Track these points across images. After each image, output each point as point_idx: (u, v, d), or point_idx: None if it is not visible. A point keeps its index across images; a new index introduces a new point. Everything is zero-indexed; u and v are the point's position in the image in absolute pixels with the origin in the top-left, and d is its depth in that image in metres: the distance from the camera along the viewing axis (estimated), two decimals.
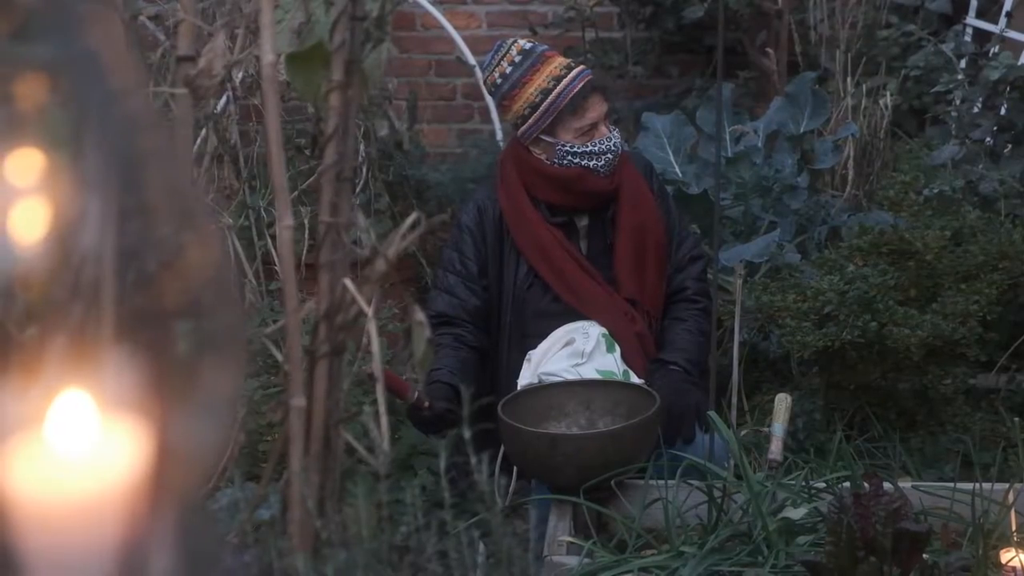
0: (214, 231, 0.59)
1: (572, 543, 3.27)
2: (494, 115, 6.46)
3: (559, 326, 3.92)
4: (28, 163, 0.57)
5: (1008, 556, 3.01)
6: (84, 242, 0.56)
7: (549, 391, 3.71)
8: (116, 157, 0.58)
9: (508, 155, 4.09)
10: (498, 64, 3.94)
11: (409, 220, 2.22)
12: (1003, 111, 5.43)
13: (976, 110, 5.46)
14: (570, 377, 3.78)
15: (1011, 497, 3.17)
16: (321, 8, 2.27)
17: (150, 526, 0.56)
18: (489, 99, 6.48)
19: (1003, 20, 6.32)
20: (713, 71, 6.53)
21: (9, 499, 0.56)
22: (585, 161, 3.90)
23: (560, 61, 3.96)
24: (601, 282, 3.99)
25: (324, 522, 2.11)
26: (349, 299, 2.16)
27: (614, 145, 3.93)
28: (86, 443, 0.58)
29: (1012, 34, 6.24)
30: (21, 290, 0.56)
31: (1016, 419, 3.59)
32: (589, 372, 3.80)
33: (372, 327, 2.12)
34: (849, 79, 5.75)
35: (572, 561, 3.16)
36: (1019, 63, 5.69)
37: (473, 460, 2.09)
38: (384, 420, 2.08)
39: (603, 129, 3.93)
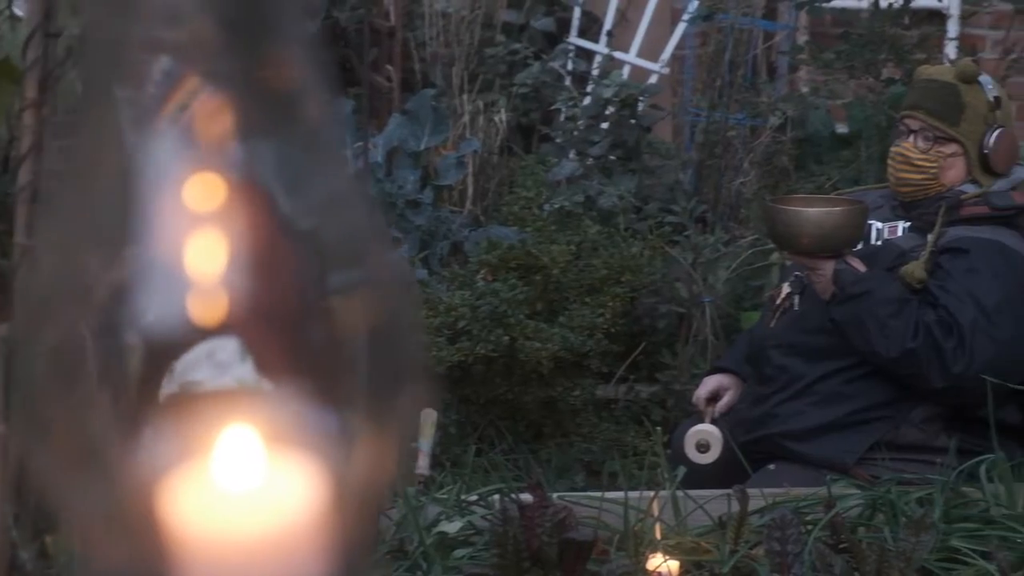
0: (391, 267, 0.61)
1: None
2: None
3: None
4: (207, 189, 0.58)
5: (656, 562, 3.18)
6: (256, 274, 0.57)
7: None
8: (294, 187, 0.60)
9: None
10: None
11: None
12: (608, 127, 5.71)
13: (583, 127, 5.71)
14: None
15: (655, 505, 3.34)
16: (7, 24, 2.24)
17: (320, 565, 0.58)
18: None
19: (604, 39, 6.62)
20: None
21: (175, 533, 0.57)
22: None
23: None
24: None
25: (28, 552, 2.09)
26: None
27: None
28: (253, 479, 0.59)
29: (615, 53, 6.55)
30: (193, 320, 0.57)
31: (658, 428, 3.80)
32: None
33: None
34: (465, 96, 5.92)
35: None
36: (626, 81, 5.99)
37: None
38: None
39: None
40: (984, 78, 3.94)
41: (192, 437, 0.59)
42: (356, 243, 0.61)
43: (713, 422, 3.97)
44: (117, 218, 0.60)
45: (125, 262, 0.59)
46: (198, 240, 0.59)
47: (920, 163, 3.85)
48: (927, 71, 4.06)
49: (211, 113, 0.59)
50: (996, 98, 3.89)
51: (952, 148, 3.86)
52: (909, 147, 3.87)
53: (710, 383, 4.11)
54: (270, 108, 0.61)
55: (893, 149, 3.95)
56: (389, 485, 0.63)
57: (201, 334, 0.59)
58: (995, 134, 3.84)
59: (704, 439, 3.85)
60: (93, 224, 0.60)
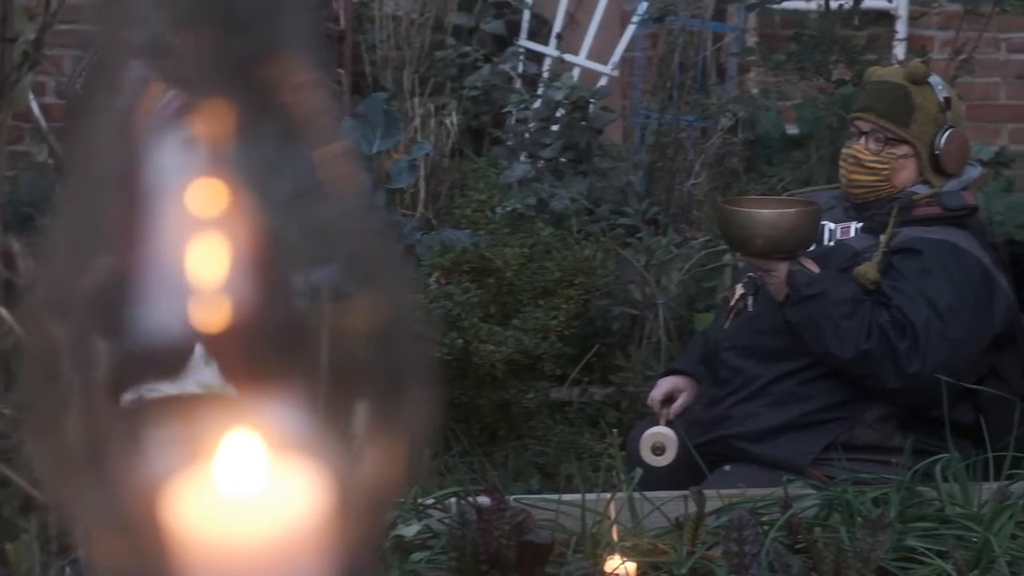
0: (398, 277, 0.61)
1: None
2: None
3: None
4: (210, 194, 0.59)
5: (614, 564, 3.19)
6: (258, 280, 0.57)
7: None
8: (296, 196, 0.59)
9: None
10: (80, 76, 3.90)
11: None
12: (560, 129, 5.73)
13: (534, 129, 5.73)
14: (173, 391, 3.77)
15: (612, 507, 3.36)
16: None
17: (323, 570, 0.58)
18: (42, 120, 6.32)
19: (554, 41, 6.64)
20: None
21: (178, 538, 0.57)
22: None
23: None
24: None
25: None
26: (6, 328, 2.13)
27: None
28: (255, 484, 0.59)
29: (565, 55, 6.57)
30: (195, 326, 0.57)
31: (615, 430, 3.80)
32: (190, 385, 3.79)
33: None
34: (416, 99, 5.92)
35: None
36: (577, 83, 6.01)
37: None
38: None
39: None
40: (934, 79, 3.96)
41: (195, 442, 0.59)
42: (357, 244, 0.61)
43: (668, 424, 3.98)
44: (111, 222, 0.60)
45: (121, 267, 0.59)
46: (191, 245, 0.59)
47: (872, 165, 3.88)
48: (877, 72, 4.08)
49: (203, 116, 0.59)
50: (946, 99, 3.92)
51: (903, 149, 3.88)
52: (860, 149, 3.90)
53: (664, 385, 4.12)
54: (264, 109, 0.61)
55: (844, 151, 3.97)
56: (396, 489, 0.63)
57: (198, 339, 0.59)
58: (946, 135, 3.86)
59: (659, 441, 3.86)
60: (89, 229, 0.60)
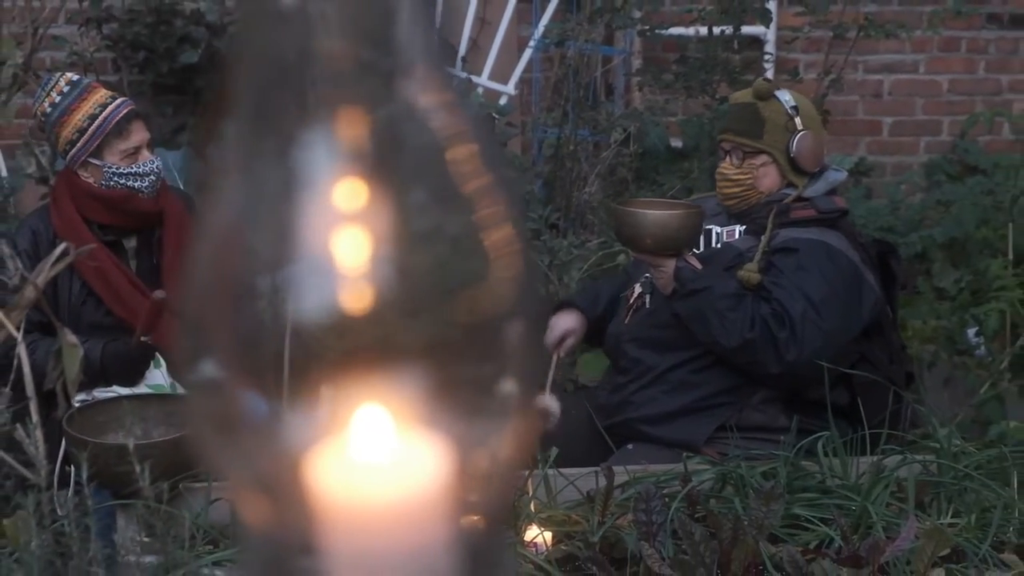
0: (518, 249, 0.63)
1: (147, 542, 3.25)
2: None
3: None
4: (352, 193, 0.62)
5: (532, 534, 3.23)
6: (393, 265, 0.59)
7: (105, 406, 3.67)
8: (429, 183, 0.61)
9: (60, 182, 4.05)
10: (47, 95, 3.90)
11: (58, 250, 2.21)
12: None
13: None
14: (124, 392, 3.76)
15: (530, 483, 3.39)
16: None
17: (445, 535, 0.60)
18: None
19: (459, 63, 6.66)
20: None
21: (316, 500, 0.59)
22: (131, 182, 3.92)
23: (105, 92, 3.97)
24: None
25: None
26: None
27: (156, 167, 3.96)
28: (385, 454, 0.62)
29: (471, 76, 6.60)
30: (336, 311, 0.59)
31: None
32: (140, 387, 3.80)
33: (23, 351, 2.10)
34: None
35: (149, 559, 3.15)
36: (482, 103, 6.03)
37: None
38: (40, 436, 2.06)
39: (146, 153, 3.96)
40: (780, 92, 4.05)
41: (331, 415, 0.62)
42: (487, 237, 0.63)
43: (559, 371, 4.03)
44: (266, 215, 0.62)
45: (273, 253, 0.61)
46: (342, 237, 0.61)
47: (736, 177, 3.98)
48: (733, 97, 4.21)
49: (350, 123, 0.62)
50: (794, 107, 4.00)
51: (762, 159, 3.98)
52: (727, 166, 4.00)
53: (558, 329, 4.14)
54: (403, 119, 0.63)
55: (717, 171, 4.07)
56: (522, 459, 0.66)
57: (343, 319, 0.61)
58: (797, 138, 3.96)
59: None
60: (247, 218, 0.63)
